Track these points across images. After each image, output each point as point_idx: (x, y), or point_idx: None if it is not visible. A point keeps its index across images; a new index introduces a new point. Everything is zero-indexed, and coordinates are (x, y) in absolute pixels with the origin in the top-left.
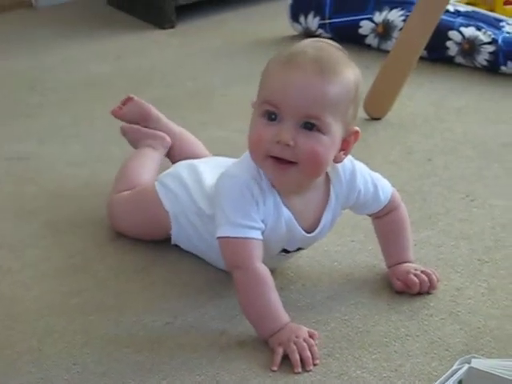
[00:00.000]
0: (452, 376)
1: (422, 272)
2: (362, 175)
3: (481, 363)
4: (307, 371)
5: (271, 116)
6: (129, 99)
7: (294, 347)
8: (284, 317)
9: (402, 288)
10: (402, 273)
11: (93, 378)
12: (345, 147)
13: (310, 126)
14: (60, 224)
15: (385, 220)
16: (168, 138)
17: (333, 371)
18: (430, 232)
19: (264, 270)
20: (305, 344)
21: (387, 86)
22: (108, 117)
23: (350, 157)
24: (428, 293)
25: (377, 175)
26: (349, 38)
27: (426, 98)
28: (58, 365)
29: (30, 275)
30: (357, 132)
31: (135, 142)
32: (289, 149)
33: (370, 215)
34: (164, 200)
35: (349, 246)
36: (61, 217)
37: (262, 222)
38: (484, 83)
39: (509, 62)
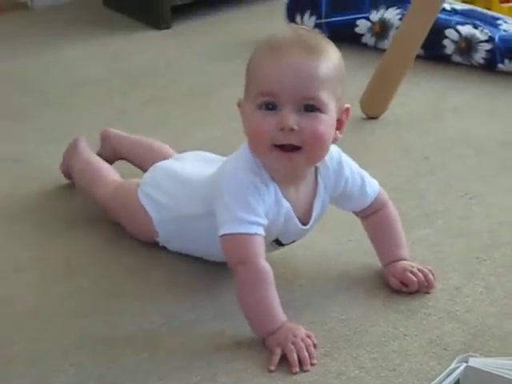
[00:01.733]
0: (450, 375)
1: (418, 270)
2: (348, 165)
3: (478, 362)
4: (305, 371)
5: (268, 106)
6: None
7: (292, 347)
8: (282, 316)
9: (399, 286)
10: (399, 271)
11: (89, 380)
12: (339, 126)
13: (309, 108)
14: (56, 225)
15: (374, 219)
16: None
17: (331, 371)
18: (428, 230)
19: (267, 268)
20: (302, 344)
21: (384, 85)
22: (104, 117)
23: (336, 147)
24: (426, 292)
25: (365, 172)
26: (345, 37)
27: (422, 96)
28: (54, 367)
29: (26, 277)
30: (348, 109)
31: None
32: (293, 134)
33: (357, 214)
34: (149, 210)
35: (345, 246)
36: (57, 218)
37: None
38: (481, 81)
39: (506, 60)
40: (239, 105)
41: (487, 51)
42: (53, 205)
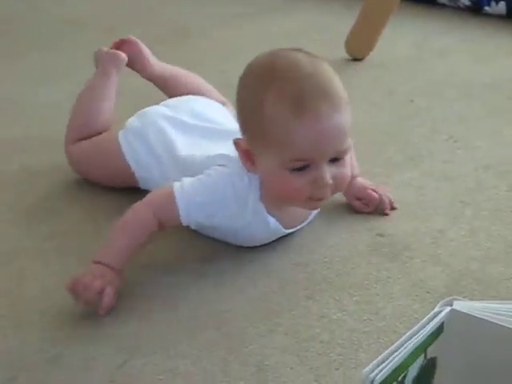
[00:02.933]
0: (433, 318)
1: (376, 187)
2: None
3: (463, 305)
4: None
5: (301, 167)
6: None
7: (90, 278)
8: (114, 260)
9: (362, 207)
10: (360, 190)
11: (70, 319)
12: None
13: (338, 157)
14: (37, 165)
15: None
16: (122, 55)
17: (313, 313)
18: (412, 173)
19: (151, 225)
20: (92, 284)
21: (369, 26)
22: (88, 57)
23: None
24: (385, 214)
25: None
26: None
27: (408, 38)
28: (33, 308)
29: (5, 218)
30: None
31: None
32: (329, 187)
33: None
34: (130, 162)
35: None
36: (38, 159)
37: (239, 226)
38: (467, 24)
39: (492, 3)
40: (238, 145)
41: None
42: (37, 145)
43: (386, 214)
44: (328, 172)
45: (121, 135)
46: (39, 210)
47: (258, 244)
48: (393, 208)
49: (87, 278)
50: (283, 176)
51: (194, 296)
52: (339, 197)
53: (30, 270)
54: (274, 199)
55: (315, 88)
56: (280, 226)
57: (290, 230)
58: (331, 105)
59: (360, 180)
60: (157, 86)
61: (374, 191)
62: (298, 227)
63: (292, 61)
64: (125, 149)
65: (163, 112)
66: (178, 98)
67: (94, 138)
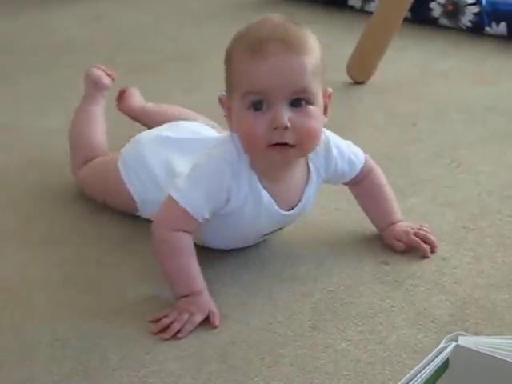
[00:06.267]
0: (439, 355)
1: (418, 229)
2: (334, 143)
3: (468, 341)
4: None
5: (257, 106)
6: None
7: (175, 315)
8: (197, 285)
9: (405, 249)
10: (401, 234)
11: (75, 353)
12: (325, 111)
13: (298, 102)
14: (41, 193)
15: (363, 186)
16: (104, 81)
17: (318, 344)
18: (415, 199)
19: (184, 238)
20: (185, 318)
21: (371, 49)
22: None
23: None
24: (424, 257)
25: (348, 142)
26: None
27: (410, 60)
28: (39, 340)
29: (11, 246)
30: (331, 93)
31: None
32: (288, 131)
33: (346, 184)
34: (128, 185)
35: (333, 215)
36: (40, 185)
37: (235, 208)
38: (468, 45)
39: (493, 23)
40: (221, 101)
41: (474, 14)
42: (37, 171)
43: (427, 257)
44: (285, 114)
45: (119, 163)
46: (42, 238)
47: (259, 235)
48: (433, 251)
49: (172, 316)
50: (245, 117)
51: (197, 327)
52: (341, 225)
53: (36, 299)
54: (247, 150)
55: (274, 32)
56: (274, 203)
57: (288, 213)
58: (288, 47)
59: (402, 223)
60: (143, 122)
61: (416, 234)
62: (296, 212)
63: (264, 18)
64: (124, 175)
65: (157, 133)
66: (169, 123)
67: (93, 165)
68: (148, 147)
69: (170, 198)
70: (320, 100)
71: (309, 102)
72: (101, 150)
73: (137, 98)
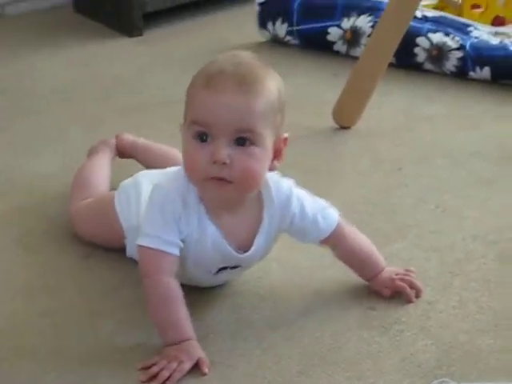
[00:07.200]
0: None
1: (404, 275)
2: (298, 200)
3: None
4: None
5: (202, 137)
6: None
7: (164, 363)
8: (186, 332)
9: (391, 294)
10: (387, 281)
11: None
12: (277, 155)
13: (242, 141)
14: (29, 240)
15: (338, 250)
16: (111, 141)
17: None
18: (400, 245)
19: (171, 285)
20: (173, 366)
21: (356, 94)
22: (78, 126)
23: (289, 182)
24: (409, 301)
25: (322, 203)
26: (317, 44)
27: (395, 105)
28: None
29: (1, 293)
30: (286, 139)
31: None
32: (226, 167)
33: (322, 244)
34: (119, 213)
35: (318, 262)
36: (30, 233)
37: (186, 237)
38: (453, 89)
39: (477, 68)
40: (180, 129)
41: (458, 59)
42: (28, 217)
43: (411, 302)
44: (226, 150)
45: (116, 191)
46: (34, 286)
47: (214, 266)
48: (418, 296)
49: (161, 364)
50: (188, 146)
51: (186, 376)
52: (327, 272)
53: (25, 348)
54: (188, 180)
55: (233, 69)
56: (220, 235)
57: (240, 256)
58: (240, 85)
59: (387, 270)
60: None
61: (402, 279)
62: (249, 256)
63: (233, 53)
64: (116, 198)
65: (159, 171)
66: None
67: (91, 200)
68: (147, 177)
69: (140, 247)
70: (267, 143)
71: (253, 143)
72: (102, 190)
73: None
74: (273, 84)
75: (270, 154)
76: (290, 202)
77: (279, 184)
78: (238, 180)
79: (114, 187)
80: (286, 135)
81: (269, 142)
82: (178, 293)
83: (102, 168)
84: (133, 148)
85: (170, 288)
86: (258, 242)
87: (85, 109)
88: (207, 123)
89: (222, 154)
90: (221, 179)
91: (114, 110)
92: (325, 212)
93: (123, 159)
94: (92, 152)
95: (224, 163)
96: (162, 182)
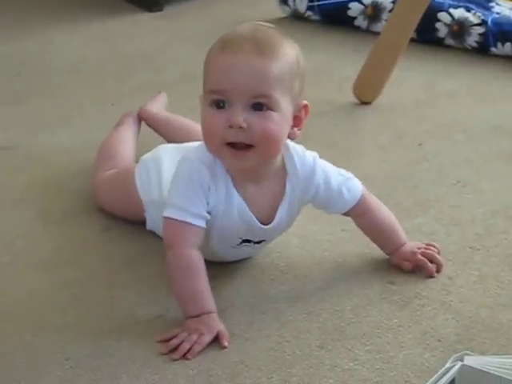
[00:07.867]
0: (445, 374)
1: (425, 249)
2: (323, 171)
3: (474, 360)
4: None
5: (219, 104)
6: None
7: (184, 335)
8: (207, 305)
9: (412, 268)
10: (408, 254)
11: (85, 373)
12: (297, 123)
13: (259, 106)
14: (50, 214)
15: (362, 222)
16: (134, 113)
17: (325, 364)
18: (421, 219)
19: (194, 257)
20: (194, 338)
21: (377, 70)
22: (97, 103)
23: (314, 154)
24: (430, 277)
25: (346, 174)
26: (338, 19)
27: (416, 81)
28: (50, 360)
29: (21, 267)
30: (306, 106)
31: None
32: (243, 131)
33: (346, 215)
34: (139, 188)
35: (339, 236)
36: (51, 207)
37: (213, 208)
38: (474, 65)
39: (499, 44)
40: (199, 100)
41: (480, 35)
42: (47, 193)
43: (433, 277)
44: (243, 115)
45: (137, 164)
46: (54, 259)
47: (237, 236)
48: (439, 271)
49: (182, 336)
50: (206, 114)
51: (206, 348)
52: (348, 246)
53: (46, 320)
54: (207, 148)
55: (250, 34)
56: (245, 206)
57: (264, 227)
58: (258, 49)
59: (409, 244)
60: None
61: (423, 254)
62: (271, 227)
63: (252, 23)
64: (136, 173)
65: (178, 145)
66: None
67: (114, 171)
68: (167, 152)
69: (166, 219)
70: (286, 109)
71: (270, 108)
72: (126, 160)
73: (156, 105)
74: (291, 50)
75: (288, 120)
76: (315, 173)
77: (304, 156)
78: (257, 142)
79: (137, 160)
80: (305, 102)
81: (287, 107)
82: (200, 265)
83: (126, 139)
84: (154, 121)
85: (193, 260)
86: (281, 214)
87: (103, 85)
88: (223, 90)
89: (239, 118)
90: (238, 146)
91: (132, 86)
92: (349, 183)
93: (146, 132)
94: (118, 123)
95: (241, 127)
96: (187, 154)
